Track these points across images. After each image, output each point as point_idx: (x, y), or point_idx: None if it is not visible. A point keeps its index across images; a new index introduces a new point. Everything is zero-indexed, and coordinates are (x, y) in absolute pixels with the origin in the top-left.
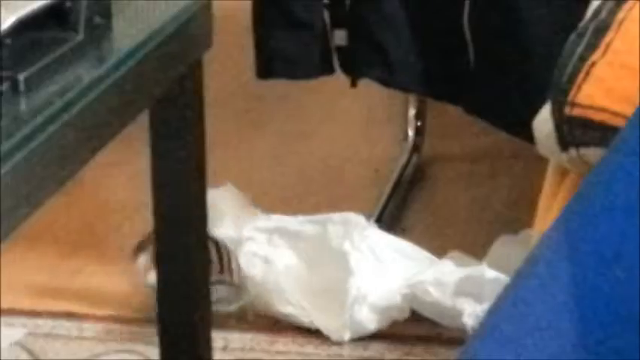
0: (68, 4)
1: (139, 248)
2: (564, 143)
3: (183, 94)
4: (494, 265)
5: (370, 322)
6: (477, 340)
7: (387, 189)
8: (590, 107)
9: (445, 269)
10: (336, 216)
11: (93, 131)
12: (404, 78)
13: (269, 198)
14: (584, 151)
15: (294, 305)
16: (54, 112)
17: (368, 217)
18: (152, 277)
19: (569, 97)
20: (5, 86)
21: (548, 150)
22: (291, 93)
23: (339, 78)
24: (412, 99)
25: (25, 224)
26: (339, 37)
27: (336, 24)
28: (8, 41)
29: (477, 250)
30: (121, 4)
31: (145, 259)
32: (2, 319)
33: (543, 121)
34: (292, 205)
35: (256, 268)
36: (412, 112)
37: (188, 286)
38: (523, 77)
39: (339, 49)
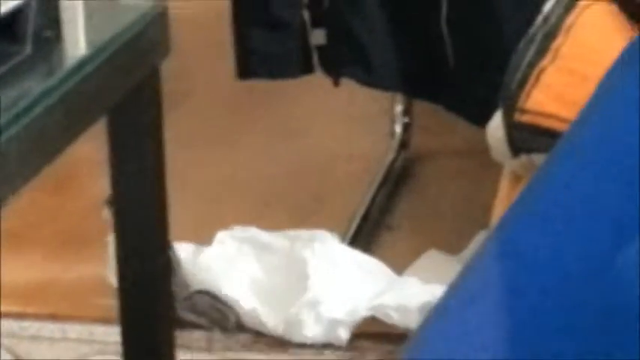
0: (15, 17)
1: None
2: (515, 149)
3: (140, 103)
4: None
5: (326, 330)
6: (407, 356)
7: (375, 186)
8: (539, 114)
9: (408, 291)
10: (305, 233)
11: (39, 145)
12: (383, 77)
13: (255, 195)
14: (535, 157)
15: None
16: None
17: (354, 215)
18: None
19: (519, 104)
20: None
21: (501, 155)
22: (278, 90)
23: (323, 76)
24: (399, 96)
25: (11, 225)
26: (318, 36)
27: (315, 23)
28: None
29: (463, 247)
30: (74, 15)
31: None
32: None
33: (495, 127)
34: (277, 202)
35: (217, 273)
36: (399, 108)
37: (149, 289)
38: (500, 75)
39: (319, 48)
